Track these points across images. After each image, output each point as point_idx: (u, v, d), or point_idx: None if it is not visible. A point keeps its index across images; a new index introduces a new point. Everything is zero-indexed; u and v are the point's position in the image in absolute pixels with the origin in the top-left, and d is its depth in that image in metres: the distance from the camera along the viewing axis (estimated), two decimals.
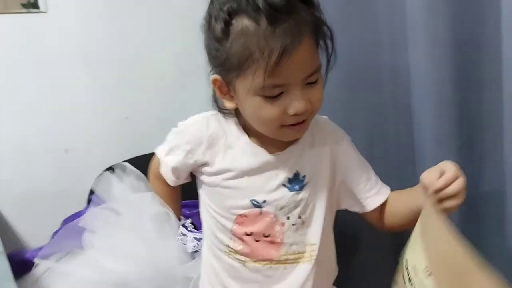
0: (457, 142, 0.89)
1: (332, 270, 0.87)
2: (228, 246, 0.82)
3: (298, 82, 0.70)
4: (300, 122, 0.73)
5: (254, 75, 0.68)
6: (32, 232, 1.05)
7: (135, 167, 1.13)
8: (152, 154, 1.14)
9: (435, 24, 0.84)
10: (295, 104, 0.70)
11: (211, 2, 0.72)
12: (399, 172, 1.04)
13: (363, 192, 0.84)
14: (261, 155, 0.80)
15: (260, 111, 0.72)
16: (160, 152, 0.88)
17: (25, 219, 1.12)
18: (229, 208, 0.81)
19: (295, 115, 0.71)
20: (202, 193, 0.86)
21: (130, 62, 1.21)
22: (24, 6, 1.13)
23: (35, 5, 1.14)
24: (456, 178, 0.67)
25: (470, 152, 0.90)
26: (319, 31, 0.71)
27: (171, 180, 0.87)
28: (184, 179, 0.88)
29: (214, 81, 0.76)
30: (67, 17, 1.16)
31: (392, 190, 0.91)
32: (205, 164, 0.82)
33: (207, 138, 0.81)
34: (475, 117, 0.89)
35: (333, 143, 0.83)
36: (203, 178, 0.84)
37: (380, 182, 0.85)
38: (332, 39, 0.74)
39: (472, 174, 0.91)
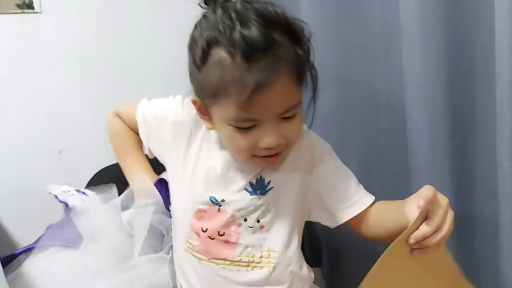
0: (450, 144, 0.90)
1: (301, 278, 0.86)
2: (188, 241, 0.83)
3: (271, 118, 0.70)
4: (273, 155, 0.74)
5: (226, 107, 0.69)
6: (25, 233, 1.04)
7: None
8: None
9: (428, 28, 0.85)
10: (266, 139, 0.71)
11: (195, 27, 0.72)
12: (393, 176, 1.05)
13: (338, 203, 0.84)
14: (226, 156, 0.81)
15: (232, 140, 0.73)
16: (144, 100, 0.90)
17: (18, 219, 1.12)
18: (190, 200, 0.82)
19: (267, 148, 0.71)
20: (171, 185, 0.87)
21: (124, 63, 1.21)
22: (19, 6, 1.13)
23: (29, 6, 1.14)
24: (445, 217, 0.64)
25: (464, 154, 0.91)
26: (300, 69, 0.71)
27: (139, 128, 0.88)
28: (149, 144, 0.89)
29: (194, 102, 0.77)
30: (61, 17, 1.16)
31: (385, 192, 0.92)
32: (178, 148, 0.83)
33: (192, 124, 0.83)
34: (468, 119, 0.89)
35: (310, 154, 0.84)
36: (173, 166, 0.85)
37: (361, 192, 0.85)
38: (315, 79, 0.75)
39: (465, 175, 0.92)
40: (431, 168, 0.92)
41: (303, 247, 0.90)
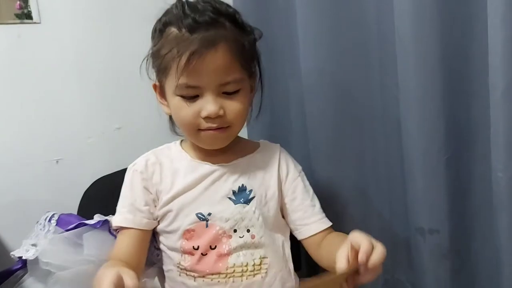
0: (445, 154, 0.91)
1: (291, 279, 0.89)
2: (179, 264, 0.84)
3: (211, 87, 0.77)
4: (215, 129, 0.79)
5: (172, 76, 0.77)
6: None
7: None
8: None
9: (422, 36, 0.86)
10: (206, 107, 0.77)
11: (158, 18, 0.83)
12: (389, 182, 1.06)
13: (302, 219, 0.88)
14: (203, 168, 0.85)
15: (179, 111, 0.80)
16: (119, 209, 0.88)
17: (15, 230, 1.10)
18: (176, 228, 0.84)
19: (208, 117, 0.78)
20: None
21: (122, 73, 1.22)
22: (18, 16, 1.14)
23: (28, 16, 1.15)
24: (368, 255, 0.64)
25: (457, 165, 0.92)
26: (240, 50, 0.78)
27: (136, 221, 0.85)
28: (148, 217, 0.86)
29: (154, 87, 0.86)
30: (60, 28, 1.17)
31: (381, 198, 0.99)
32: (161, 192, 0.86)
33: (153, 169, 0.87)
34: (463, 129, 0.90)
35: (281, 161, 0.90)
36: (160, 211, 0.86)
37: (321, 215, 0.89)
38: (259, 61, 0.85)
39: (459, 185, 0.93)
40: (426, 176, 0.93)
41: None
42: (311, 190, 0.91)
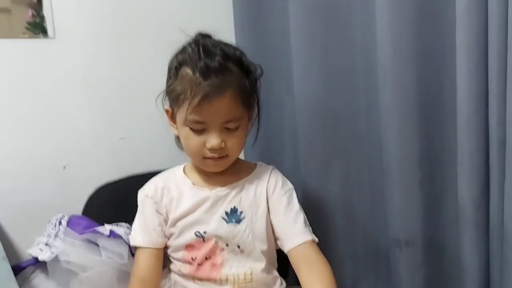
0: (419, 174, 0.99)
1: (277, 284, 0.99)
2: (179, 270, 0.97)
3: (216, 124, 0.89)
4: (218, 158, 0.92)
5: (184, 109, 0.88)
6: (31, 245, 1.09)
7: (129, 185, 1.21)
8: (147, 174, 1.22)
9: (401, 63, 0.95)
10: (211, 140, 0.89)
11: (174, 55, 0.93)
12: (371, 196, 1.14)
13: (283, 233, 0.96)
14: (203, 193, 0.97)
15: (188, 140, 0.92)
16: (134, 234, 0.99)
17: (24, 232, 1.17)
18: (178, 243, 0.97)
19: (212, 149, 0.90)
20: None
21: (128, 88, 1.28)
22: (33, 31, 1.21)
23: (43, 31, 1.22)
24: None
25: (431, 183, 1.00)
26: (244, 93, 0.90)
27: (155, 241, 0.97)
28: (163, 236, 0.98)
29: (167, 111, 0.97)
30: (74, 43, 1.23)
31: (364, 209, 1.09)
32: (170, 212, 0.98)
33: (162, 193, 0.98)
34: (435, 152, 0.99)
35: (270, 182, 0.99)
36: (168, 231, 0.98)
37: (304, 230, 0.95)
38: (259, 107, 0.97)
39: (432, 202, 1.02)
40: (403, 192, 1.01)
41: None
42: (296, 207, 0.97)
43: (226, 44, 0.92)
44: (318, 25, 1.08)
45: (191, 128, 0.90)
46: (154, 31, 1.30)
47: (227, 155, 0.93)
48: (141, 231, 0.98)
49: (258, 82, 0.96)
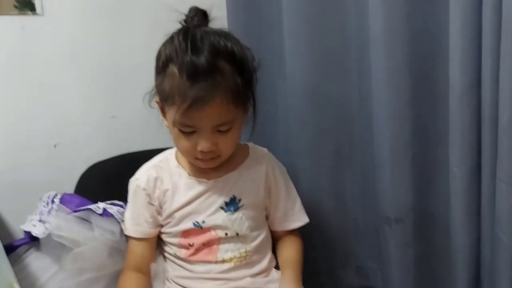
0: (411, 151, 0.99)
1: (271, 267, 1.01)
2: (175, 254, 0.97)
3: (207, 128, 0.85)
4: (209, 158, 0.89)
5: (173, 112, 0.84)
6: (21, 223, 1.09)
7: (121, 164, 1.21)
8: (139, 153, 1.22)
9: (393, 40, 0.94)
10: (201, 143, 0.86)
11: (164, 43, 0.87)
12: (362, 172, 1.14)
13: (282, 216, 1.01)
14: (201, 185, 0.96)
15: (178, 140, 0.89)
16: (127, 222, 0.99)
17: (15, 210, 1.17)
18: (175, 231, 0.96)
19: (202, 151, 0.87)
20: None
21: (119, 67, 1.27)
22: (20, 8, 1.19)
23: (31, 8, 1.19)
24: None
25: (422, 161, 1.00)
26: (237, 94, 0.84)
27: (146, 231, 0.97)
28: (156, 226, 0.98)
29: (157, 103, 0.92)
30: (63, 20, 1.21)
31: (355, 183, 1.10)
32: (164, 203, 0.97)
33: (155, 184, 0.97)
34: (427, 130, 0.98)
35: (268, 169, 0.99)
36: (163, 222, 0.98)
37: (299, 213, 1.03)
38: (254, 103, 0.91)
39: (423, 180, 1.02)
40: (394, 170, 1.01)
41: None
42: (294, 191, 1.03)
43: (218, 33, 0.85)
44: (310, 2, 1.06)
45: (180, 130, 0.87)
46: (144, 9, 1.27)
47: (219, 156, 0.91)
48: (133, 222, 0.97)
49: (254, 75, 0.90)
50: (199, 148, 0.87)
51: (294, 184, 1.06)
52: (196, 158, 0.90)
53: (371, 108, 1.03)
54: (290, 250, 1.02)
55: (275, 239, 1.04)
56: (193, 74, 0.81)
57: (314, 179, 1.17)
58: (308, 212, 1.08)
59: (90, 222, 0.99)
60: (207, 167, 0.93)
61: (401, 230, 1.04)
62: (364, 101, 1.07)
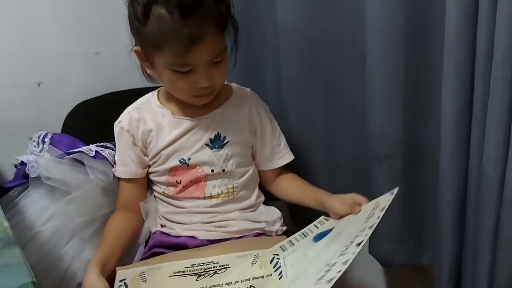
0: (404, 87, 0.98)
1: (258, 198, 1.04)
2: (163, 192, 0.99)
3: (204, 63, 0.86)
4: (207, 93, 0.92)
5: (167, 55, 0.85)
6: (8, 163, 1.08)
7: (107, 102, 1.19)
8: (126, 91, 1.19)
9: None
10: (201, 81, 0.88)
11: None
12: (354, 114, 1.13)
13: (268, 155, 1.04)
14: (185, 123, 0.97)
15: (175, 83, 0.90)
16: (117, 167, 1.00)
17: (2, 151, 1.14)
18: (162, 169, 0.98)
19: (202, 88, 0.89)
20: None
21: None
22: None
23: None
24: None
25: (414, 98, 0.99)
26: (222, 22, 0.87)
27: (134, 171, 0.99)
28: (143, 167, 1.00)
29: (136, 52, 0.92)
30: None
31: (344, 124, 1.10)
32: (149, 143, 0.98)
33: (138, 125, 0.98)
34: (420, 69, 0.97)
35: (251, 108, 1.01)
36: (149, 162, 1.00)
37: (285, 150, 1.05)
38: (237, 29, 0.92)
39: (415, 117, 1.02)
40: (385, 106, 1.01)
41: None
42: (277, 130, 1.05)
43: None
44: None
45: (175, 70, 0.87)
46: None
47: (214, 89, 0.93)
48: (120, 163, 1.00)
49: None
50: (199, 85, 0.88)
51: (282, 120, 1.07)
52: (193, 96, 0.92)
53: (364, 47, 1.00)
54: (295, 179, 1.06)
55: (268, 182, 1.07)
56: (184, 10, 0.81)
57: (303, 120, 1.17)
58: (297, 148, 1.09)
59: (83, 164, 0.99)
60: (204, 102, 0.95)
61: (391, 165, 1.05)
62: (357, 41, 1.04)
